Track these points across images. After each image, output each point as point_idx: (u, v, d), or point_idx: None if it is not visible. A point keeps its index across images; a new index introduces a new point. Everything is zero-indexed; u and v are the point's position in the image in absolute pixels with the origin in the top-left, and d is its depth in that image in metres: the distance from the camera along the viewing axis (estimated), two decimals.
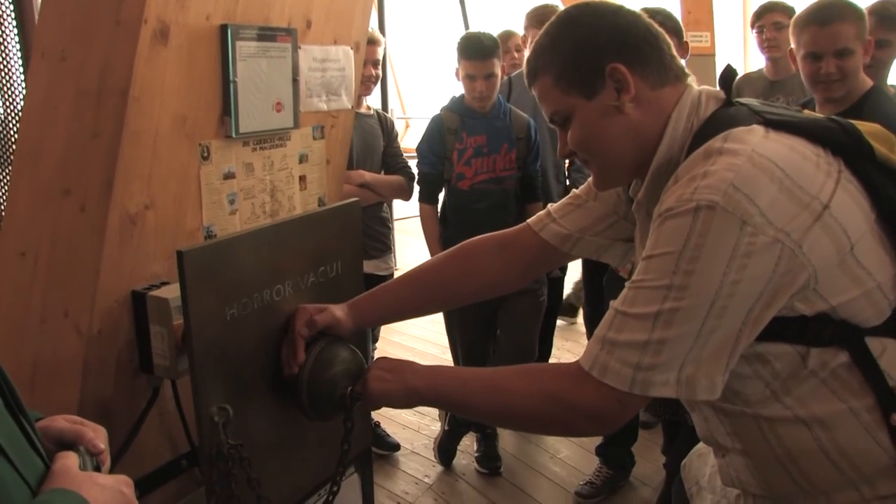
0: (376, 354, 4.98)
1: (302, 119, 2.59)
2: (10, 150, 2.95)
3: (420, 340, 5.73)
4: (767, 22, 4.47)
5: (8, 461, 1.02)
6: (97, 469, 1.21)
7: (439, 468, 4.17)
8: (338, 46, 2.72)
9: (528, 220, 2.07)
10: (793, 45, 2.95)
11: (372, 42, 3.68)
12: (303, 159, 2.63)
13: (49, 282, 2.14)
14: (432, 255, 3.87)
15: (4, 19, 2.79)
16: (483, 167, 3.72)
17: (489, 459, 4.11)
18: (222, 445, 1.80)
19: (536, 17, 4.22)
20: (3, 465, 1.01)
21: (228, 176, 2.35)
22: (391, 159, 3.94)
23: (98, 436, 1.27)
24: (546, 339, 4.62)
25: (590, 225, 1.96)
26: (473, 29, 4.70)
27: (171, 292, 2.10)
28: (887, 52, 3.20)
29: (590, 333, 4.98)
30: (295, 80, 2.51)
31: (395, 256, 4.19)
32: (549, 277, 4.14)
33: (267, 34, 2.37)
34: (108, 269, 2.08)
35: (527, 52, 4.28)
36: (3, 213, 2.22)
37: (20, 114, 2.89)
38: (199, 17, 2.18)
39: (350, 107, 2.84)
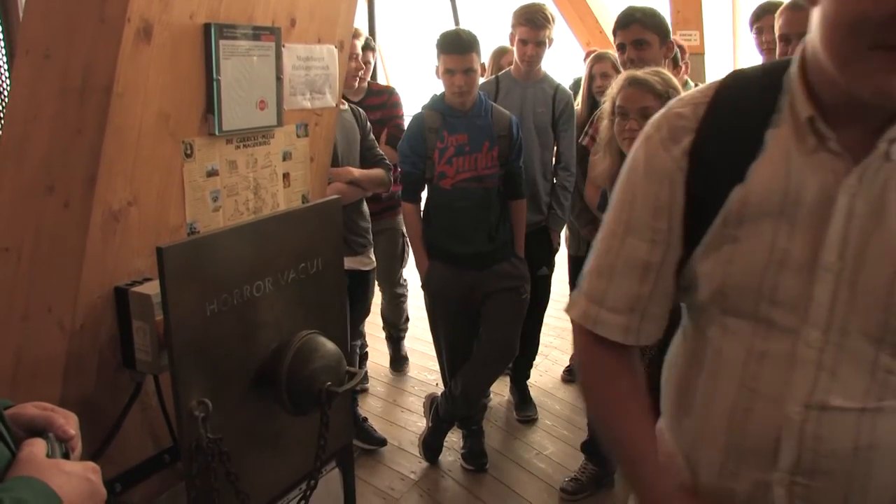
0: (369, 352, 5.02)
1: (286, 117, 2.61)
2: None
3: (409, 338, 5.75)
4: (766, 24, 4.47)
5: None
6: (66, 456, 1.20)
7: (425, 464, 4.18)
8: (322, 45, 2.73)
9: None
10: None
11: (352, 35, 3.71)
12: (286, 157, 2.65)
13: (32, 278, 2.15)
14: (416, 252, 3.88)
15: None
16: (465, 166, 3.73)
17: (475, 456, 4.13)
18: (201, 439, 1.83)
19: (524, 16, 4.24)
20: None
21: (212, 173, 2.37)
22: (367, 152, 3.94)
23: (68, 422, 1.25)
24: (533, 336, 4.64)
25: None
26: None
27: (154, 288, 2.11)
28: None
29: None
30: (279, 79, 2.53)
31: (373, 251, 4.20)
32: (536, 275, 4.16)
33: (251, 33, 2.39)
34: (91, 265, 2.10)
35: (515, 52, 4.33)
36: None
37: (3, 111, 2.91)
38: (182, 16, 2.19)
39: (335, 105, 2.86)
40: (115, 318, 2.17)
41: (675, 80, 2.65)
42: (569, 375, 5.10)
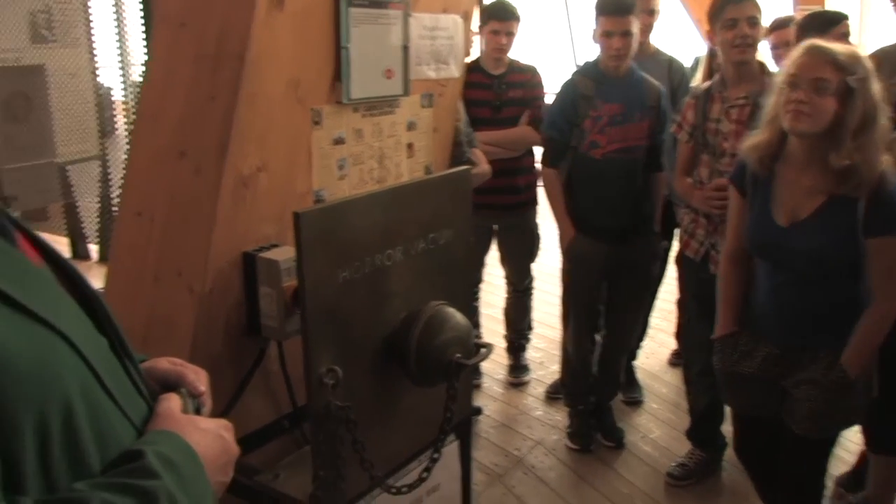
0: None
1: (412, 87, 2.59)
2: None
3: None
4: (779, 40, 4.20)
5: (114, 402, 1.03)
6: (198, 411, 1.23)
7: (530, 441, 4.16)
8: (447, 15, 2.70)
9: None
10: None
11: None
12: (411, 127, 2.63)
13: (164, 242, 2.19)
14: (559, 220, 3.80)
15: None
16: (616, 136, 3.60)
17: (580, 436, 4.08)
18: (331, 406, 1.82)
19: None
20: (110, 406, 1.02)
21: (339, 141, 2.37)
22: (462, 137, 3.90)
23: (199, 378, 1.28)
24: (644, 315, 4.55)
25: None
26: None
27: (281, 255, 2.12)
28: None
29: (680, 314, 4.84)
30: (405, 48, 2.50)
31: None
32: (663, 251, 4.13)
33: (380, 1, 2.37)
34: (220, 231, 2.11)
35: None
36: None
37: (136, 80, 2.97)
38: None
39: (458, 76, 2.82)
40: (242, 284, 2.19)
41: (868, 61, 2.43)
42: (676, 359, 4.98)
